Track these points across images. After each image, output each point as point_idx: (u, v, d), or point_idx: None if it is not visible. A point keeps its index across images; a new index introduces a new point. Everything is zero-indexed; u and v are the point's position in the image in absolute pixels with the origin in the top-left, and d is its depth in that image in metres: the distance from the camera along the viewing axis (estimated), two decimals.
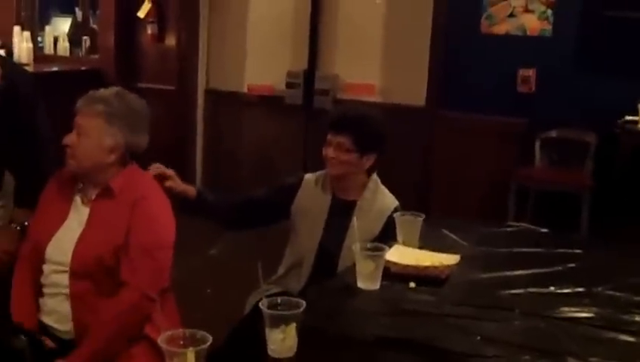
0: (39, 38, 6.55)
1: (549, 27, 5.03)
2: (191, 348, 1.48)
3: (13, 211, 2.59)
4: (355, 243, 2.07)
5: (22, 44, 6.06)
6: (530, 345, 1.73)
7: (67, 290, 2.17)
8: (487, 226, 2.81)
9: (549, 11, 5.01)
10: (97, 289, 2.16)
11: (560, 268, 2.32)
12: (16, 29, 6.15)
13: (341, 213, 2.56)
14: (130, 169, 2.29)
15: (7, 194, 2.64)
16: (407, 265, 2.12)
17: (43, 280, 2.23)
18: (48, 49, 6.50)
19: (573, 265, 2.36)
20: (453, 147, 5.33)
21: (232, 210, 2.69)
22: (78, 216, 2.24)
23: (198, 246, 4.64)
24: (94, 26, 6.58)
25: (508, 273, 2.24)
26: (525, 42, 5.10)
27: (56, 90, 3.97)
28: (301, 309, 1.62)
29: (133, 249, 2.14)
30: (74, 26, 6.70)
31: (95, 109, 2.20)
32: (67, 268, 2.16)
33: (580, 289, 2.12)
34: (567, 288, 2.13)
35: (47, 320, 2.22)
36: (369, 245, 2.06)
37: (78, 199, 2.27)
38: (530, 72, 5.08)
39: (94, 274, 2.15)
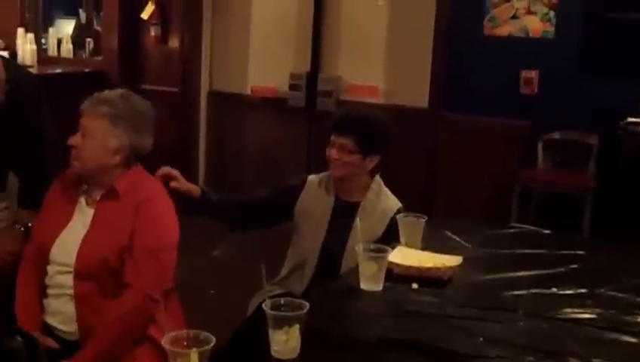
0: (43, 40, 6.57)
1: (551, 29, 5.02)
2: (194, 349, 1.49)
3: (17, 212, 2.60)
4: (358, 245, 2.07)
5: (26, 46, 6.08)
6: (534, 346, 1.74)
7: (71, 291, 2.18)
8: (490, 228, 2.81)
9: (552, 13, 5.01)
10: (102, 291, 2.16)
11: (563, 269, 2.32)
12: (20, 30, 6.17)
13: (344, 214, 2.56)
14: (135, 170, 2.30)
15: (11, 195, 2.65)
16: (410, 267, 2.12)
17: (47, 281, 2.24)
18: (52, 51, 6.52)
19: (576, 266, 2.36)
20: (455, 149, 5.33)
21: (236, 209, 2.70)
22: (82, 218, 2.24)
23: (202, 247, 4.65)
24: (98, 28, 6.60)
25: (511, 274, 2.25)
26: (528, 44, 5.10)
27: (60, 92, 3.99)
28: (304, 310, 1.63)
29: (137, 250, 2.14)
30: (77, 27, 6.72)
31: (100, 111, 2.21)
32: (71, 269, 2.17)
33: (583, 291, 2.13)
34: (570, 289, 2.13)
35: (52, 321, 2.23)
36: (372, 246, 2.07)
37: (82, 200, 2.28)
38: (533, 74, 5.07)
39: (99, 275, 2.15)
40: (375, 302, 1.99)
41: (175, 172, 2.47)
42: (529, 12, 5.07)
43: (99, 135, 2.20)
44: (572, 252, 2.50)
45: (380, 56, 5.56)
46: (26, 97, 2.48)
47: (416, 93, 5.38)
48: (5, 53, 5.45)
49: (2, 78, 2.33)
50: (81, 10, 6.80)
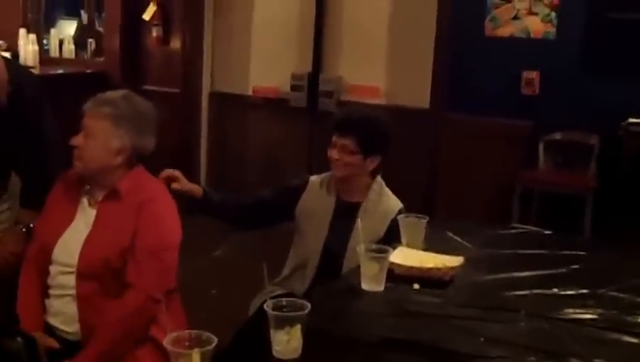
0: (45, 41, 6.58)
1: (552, 30, 5.02)
2: (196, 349, 1.49)
3: (19, 212, 2.60)
4: (359, 245, 2.08)
5: (28, 47, 6.09)
6: (535, 346, 1.74)
7: (73, 291, 2.18)
8: (491, 228, 2.81)
9: (553, 14, 5.01)
10: (104, 291, 2.17)
11: (564, 269, 2.32)
12: (22, 31, 6.18)
13: (346, 214, 2.57)
14: (137, 171, 2.30)
15: (13, 196, 2.65)
16: (411, 267, 2.12)
17: (49, 281, 2.24)
18: (54, 52, 6.53)
19: (577, 266, 2.36)
20: (457, 149, 5.33)
21: (237, 209, 2.70)
22: (84, 218, 2.25)
23: (204, 247, 4.65)
24: (100, 29, 6.61)
25: (512, 274, 2.25)
26: (529, 45, 5.10)
27: (62, 92, 3.99)
28: (306, 311, 1.63)
29: (139, 251, 2.15)
30: (79, 28, 6.73)
31: (102, 111, 2.22)
32: (74, 270, 2.17)
33: (584, 291, 2.13)
34: (571, 289, 2.14)
35: (54, 321, 2.23)
36: (373, 247, 2.07)
37: (84, 201, 2.28)
38: (534, 75, 5.07)
39: (101, 275, 2.16)
40: (376, 302, 1.99)
41: (177, 173, 2.48)
42: (530, 13, 5.07)
43: (101, 135, 2.20)
44: (573, 252, 2.51)
45: (382, 57, 5.56)
46: (27, 98, 2.48)
47: (418, 94, 5.38)
48: (7, 54, 5.46)
49: (5, 80, 2.33)
50: (82, 11, 6.81)
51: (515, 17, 5.11)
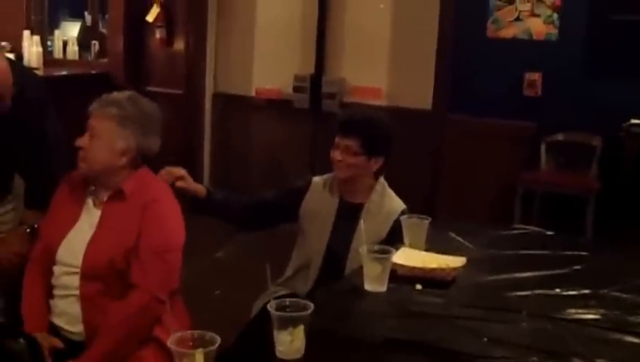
0: (49, 42, 6.59)
1: (555, 31, 5.03)
2: (200, 350, 1.49)
3: (23, 213, 2.61)
4: (362, 246, 2.08)
5: (31, 49, 6.09)
6: (538, 347, 1.74)
7: (78, 292, 2.19)
8: (493, 229, 2.82)
9: (555, 15, 5.01)
10: (108, 291, 2.17)
11: (566, 270, 2.33)
12: (26, 33, 6.19)
13: (349, 215, 2.57)
14: (142, 172, 2.30)
15: (17, 197, 2.66)
16: (414, 268, 2.13)
17: (54, 281, 2.25)
18: (58, 53, 6.53)
19: (579, 267, 2.37)
20: (459, 150, 5.34)
21: (241, 210, 2.70)
22: (89, 218, 2.26)
23: (207, 248, 4.66)
24: (103, 30, 6.61)
25: (515, 275, 2.25)
26: (531, 46, 5.11)
27: (66, 94, 3.99)
28: (309, 311, 1.63)
29: (143, 251, 2.15)
30: (83, 30, 6.74)
31: (108, 112, 2.22)
32: (78, 270, 2.18)
33: (587, 291, 2.13)
34: (573, 290, 2.14)
35: (58, 321, 2.24)
36: (376, 247, 2.07)
37: (89, 201, 2.29)
38: (537, 76, 5.08)
39: (105, 276, 2.16)
40: (379, 302, 2.00)
41: (182, 171, 2.48)
42: (532, 14, 5.08)
43: (106, 136, 2.21)
44: (575, 253, 2.51)
45: (384, 59, 5.57)
46: (31, 99, 2.49)
47: (420, 95, 5.39)
48: (11, 56, 5.47)
49: (9, 82, 2.34)
50: (86, 13, 6.81)
51: (518, 19, 5.12)
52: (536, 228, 3.17)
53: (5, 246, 2.48)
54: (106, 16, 6.49)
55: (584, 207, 4.71)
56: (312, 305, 1.65)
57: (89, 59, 6.57)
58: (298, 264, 2.66)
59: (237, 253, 4.81)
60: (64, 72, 6.09)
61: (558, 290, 2.14)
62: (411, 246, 2.31)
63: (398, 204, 2.63)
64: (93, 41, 6.58)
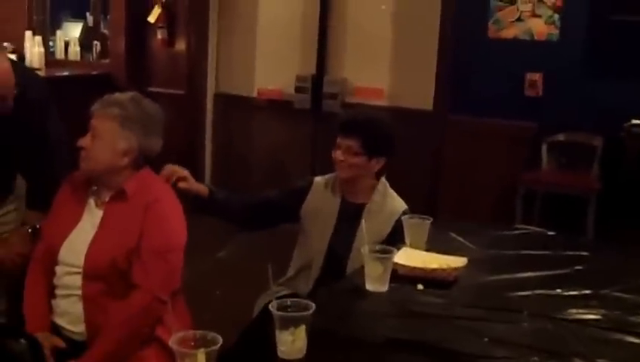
0: (50, 43, 6.59)
1: (556, 31, 5.04)
2: (202, 349, 1.50)
3: (24, 213, 2.62)
4: (363, 246, 2.09)
5: (33, 49, 6.10)
6: (539, 347, 1.75)
7: (80, 292, 2.19)
8: (494, 229, 2.82)
9: (556, 16, 5.02)
10: (110, 291, 2.18)
11: (567, 270, 2.33)
12: (28, 33, 6.19)
13: (350, 215, 2.58)
14: (144, 172, 2.31)
15: (19, 197, 2.67)
16: (415, 268, 2.13)
17: (56, 281, 2.25)
18: (59, 54, 6.54)
19: (580, 267, 2.37)
20: (460, 151, 5.34)
21: (243, 210, 2.70)
22: (91, 219, 2.26)
23: (208, 248, 4.66)
24: (105, 31, 6.62)
25: (516, 275, 2.26)
26: (532, 46, 5.11)
27: (68, 94, 4.00)
28: (310, 311, 1.64)
29: (145, 251, 2.16)
30: (85, 30, 6.74)
31: (110, 112, 2.23)
32: (80, 270, 2.18)
33: (588, 291, 2.14)
34: (574, 290, 2.14)
35: (60, 321, 2.24)
36: (377, 247, 2.07)
37: (91, 201, 2.29)
38: (538, 76, 5.09)
39: (107, 276, 2.17)
40: (381, 302, 2.00)
41: (184, 172, 2.48)
42: (534, 15, 5.08)
43: (108, 136, 2.21)
44: (576, 253, 2.51)
45: (385, 59, 5.58)
46: (33, 100, 2.49)
47: (421, 96, 5.40)
48: (13, 56, 5.47)
49: (12, 83, 2.34)
50: (88, 14, 6.82)
51: (519, 19, 5.12)
52: (538, 229, 3.17)
53: (7, 246, 2.49)
54: (108, 16, 6.49)
55: (585, 207, 4.72)
56: (313, 304, 1.65)
57: (91, 59, 6.58)
58: (300, 264, 2.66)
59: (238, 253, 4.82)
60: (66, 73, 6.09)
61: (559, 290, 2.14)
62: (412, 246, 2.32)
63: (399, 204, 2.63)
64: (95, 42, 6.58)
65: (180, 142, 5.79)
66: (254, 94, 6.09)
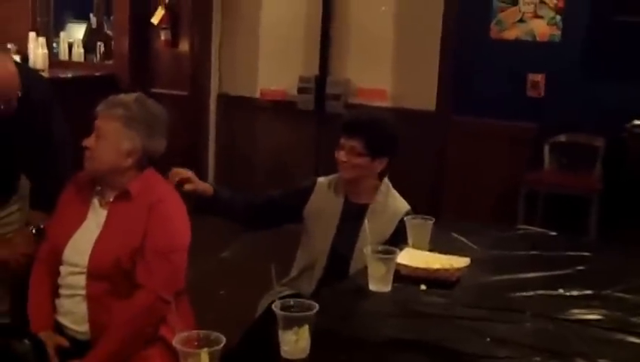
0: (54, 44, 6.59)
1: (558, 32, 5.04)
2: (205, 349, 1.50)
3: (28, 214, 2.63)
4: (366, 246, 2.09)
5: (37, 50, 6.11)
6: (541, 347, 1.75)
7: (84, 292, 2.20)
8: (497, 229, 2.82)
9: (558, 17, 5.02)
10: (114, 291, 2.19)
11: (569, 270, 2.33)
12: (32, 35, 6.21)
13: (353, 216, 2.58)
14: (148, 173, 2.32)
15: (23, 197, 2.68)
16: (418, 268, 2.13)
17: (60, 281, 2.26)
18: (63, 55, 6.54)
19: (582, 267, 2.37)
20: (463, 151, 5.34)
21: (246, 209, 2.71)
22: (95, 218, 2.27)
23: (212, 248, 4.67)
24: (109, 32, 6.62)
25: (518, 275, 2.26)
26: (535, 47, 5.11)
27: (71, 95, 4.02)
28: (314, 311, 1.64)
29: (149, 251, 2.17)
30: (88, 32, 6.75)
31: (115, 113, 2.24)
32: (84, 270, 2.19)
33: (590, 292, 2.14)
34: (576, 290, 2.14)
35: (64, 320, 2.25)
36: (380, 248, 2.08)
37: (96, 201, 2.31)
38: (540, 77, 5.09)
39: (111, 276, 2.18)
40: (384, 302, 2.00)
41: (189, 173, 2.49)
42: (536, 16, 5.08)
43: (112, 137, 2.22)
44: (579, 253, 2.51)
45: (388, 60, 5.58)
46: (37, 101, 2.50)
47: (424, 97, 5.40)
48: (17, 57, 5.49)
49: (16, 84, 2.35)
50: (92, 15, 6.82)
51: (521, 20, 5.12)
52: (540, 229, 3.17)
53: (11, 246, 2.50)
54: (112, 18, 6.50)
55: (587, 208, 4.71)
56: (316, 305, 1.66)
57: (94, 60, 6.59)
58: (303, 264, 2.67)
59: (242, 254, 4.83)
60: (69, 74, 6.09)
61: (561, 291, 2.14)
62: (414, 246, 2.32)
63: (402, 205, 2.64)
64: (99, 43, 6.59)
65: (184, 142, 5.79)
66: (257, 95, 6.10)
